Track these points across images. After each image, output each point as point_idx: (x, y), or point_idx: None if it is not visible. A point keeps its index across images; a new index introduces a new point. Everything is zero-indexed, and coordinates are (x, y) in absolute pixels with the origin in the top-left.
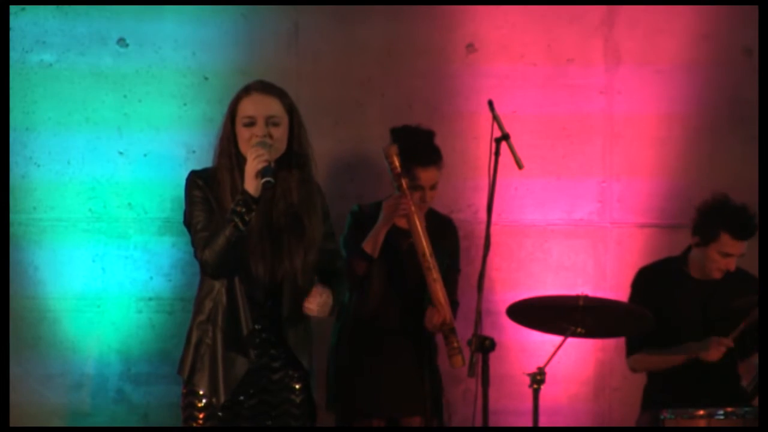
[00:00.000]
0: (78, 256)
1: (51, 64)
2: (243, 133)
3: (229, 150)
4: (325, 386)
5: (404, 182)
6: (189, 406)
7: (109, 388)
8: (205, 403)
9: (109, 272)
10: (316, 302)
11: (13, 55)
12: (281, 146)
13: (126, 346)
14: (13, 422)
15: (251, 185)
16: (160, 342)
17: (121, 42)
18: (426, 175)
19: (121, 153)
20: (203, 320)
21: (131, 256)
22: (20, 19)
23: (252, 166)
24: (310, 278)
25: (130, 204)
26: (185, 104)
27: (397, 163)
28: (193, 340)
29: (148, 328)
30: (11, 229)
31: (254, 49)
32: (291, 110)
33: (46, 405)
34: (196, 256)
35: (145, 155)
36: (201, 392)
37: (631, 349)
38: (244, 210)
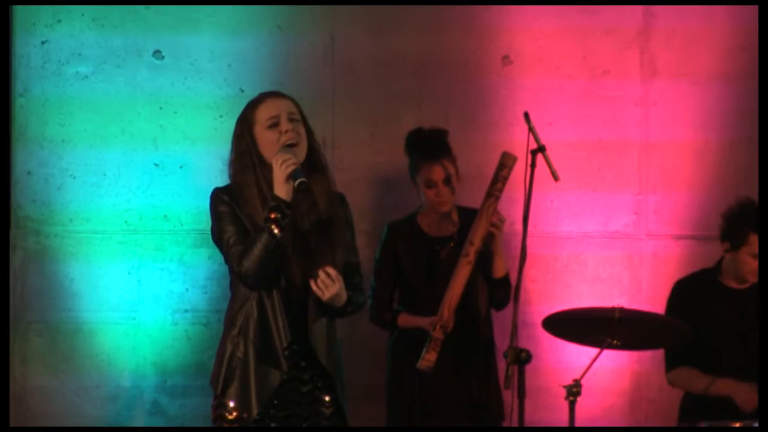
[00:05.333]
0: (114, 268)
1: (87, 76)
2: (267, 137)
3: (251, 163)
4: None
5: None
6: (219, 419)
7: (145, 400)
8: (236, 416)
9: (144, 284)
10: (332, 288)
11: (50, 67)
12: (304, 146)
13: (162, 358)
14: None
15: (282, 190)
16: (195, 354)
17: (157, 54)
18: (434, 170)
19: (156, 165)
20: (235, 334)
21: (167, 268)
22: (56, 31)
23: (281, 171)
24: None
25: (165, 216)
26: (221, 116)
27: (506, 173)
28: (226, 354)
29: (183, 340)
30: (47, 242)
31: (290, 60)
32: (304, 117)
33: (82, 417)
34: (232, 270)
35: (181, 167)
36: (231, 404)
37: (670, 365)
38: (279, 216)
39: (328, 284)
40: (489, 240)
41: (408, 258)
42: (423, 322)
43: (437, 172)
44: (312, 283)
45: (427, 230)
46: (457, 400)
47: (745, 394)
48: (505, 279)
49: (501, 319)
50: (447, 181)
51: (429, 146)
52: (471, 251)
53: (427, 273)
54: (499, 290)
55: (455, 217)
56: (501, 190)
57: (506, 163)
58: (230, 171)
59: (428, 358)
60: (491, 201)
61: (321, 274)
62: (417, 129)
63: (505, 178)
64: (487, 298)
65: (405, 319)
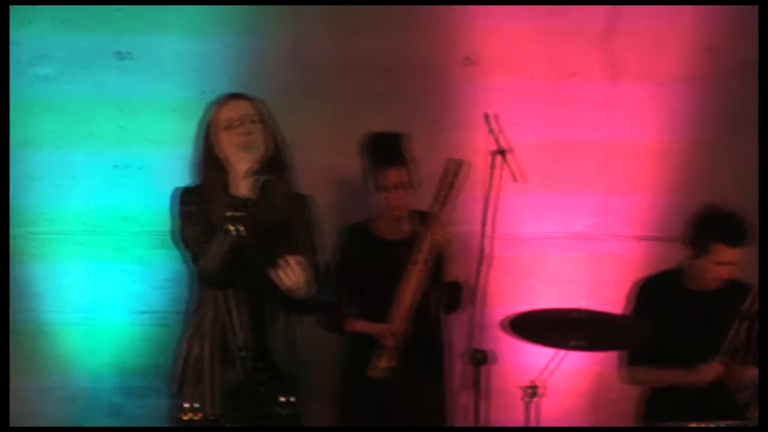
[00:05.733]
0: (75, 269)
1: (53, 77)
2: (225, 138)
3: (210, 165)
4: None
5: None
6: (177, 420)
7: (104, 401)
8: (193, 417)
9: (105, 285)
10: (292, 277)
11: (16, 68)
12: (263, 146)
13: (121, 359)
14: None
15: (242, 188)
16: (155, 355)
17: (123, 55)
18: (386, 175)
19: (119, 166)
20: (193, 334)
21: (127, 269)
22: (22, 32)
23: (240, 168)
24: None
25: (126, 217)
26: (184, 118)
27: (451, 179)
28: (184, 353)
29: (143, 341)
30: (11, 243)
31: (255, 62)
32: (266, 114)
33: (44, 419)
34: (195, 268)
35: (141, 168)
36: (188, 405)
37: (631, 360)
38: (237, 214)
39: (289, 273)
40: (439, 245)
41: (362, 261)
42: (373, 328)
43: (392, 177)
44: (273, 272)
45: (381, 234)
46: (408, 403)
47: (704, 370)
48: (457, 283)
49: (460, 320)
50: (402, 185)
51: (384, 150)
52: (420, 259)
53: (381, 276)
54: (451, 294)
55: (410, 221)
56: (448, 197)
57: (451, 169)
58: (194, 172)
59: (379, 366)
60: (439, 208)
61: (281, 262)
62: (373, 133)
63: (452, 185)
64: (439, 302)
65: (355, 324)
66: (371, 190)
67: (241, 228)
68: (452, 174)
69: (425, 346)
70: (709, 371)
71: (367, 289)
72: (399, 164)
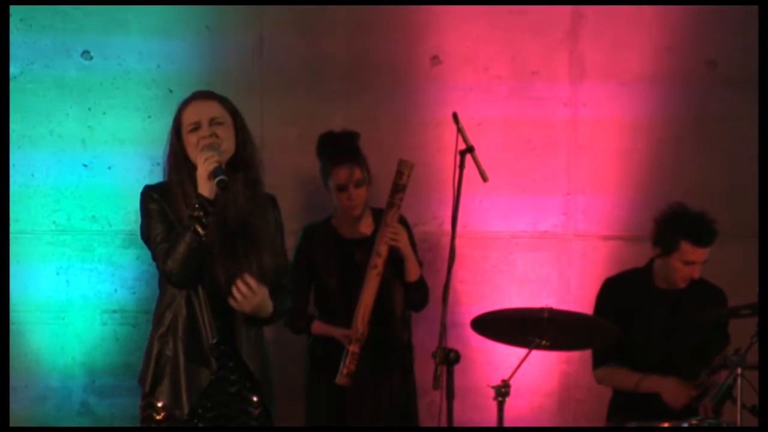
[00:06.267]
0: (42, 268)
1: (15, 77)
2: (191, 140)
3: (177, 164)
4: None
5: (398, 199)
6: (148, 419)
7: (74, 400)
8: (165, 416)
9: (73, 285)
10: (252, 300)
11: None
12: (228, 146)
13: (90, 358)
14: None
15: (205, 188)
16: (124, 354)
17: (86, 54)
18: (341, 173)
19: (85, 165)
20: (163, 332)
21: (96, 268)
22: None
23: (203, 169)
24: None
25: (94, 216)
26: (150, 117)
27: (405, 180)
28: (154, 352)
29: (112, 341)
30: None
31: (219, 61)
32: (234, 113)
33: (12, 418)
34: (158, 267)
35: (109, 168)
36: (160, 404)
37: (597, 362)
38: (201, 214)
39: (248, 296)
40: (395, 248)
41: (323, 261)
42: (336, 332)
43: (348, 176)
44: (230, 300)
45: (342, 232)
46: (375, 401)
47: (672, 391)
48: (419, 282)
49: (429, 320)
50: (358, 184)
51: (339, 149)
52: (379, 262)
53: (343, 275)
54: (414, 293)
55: (370, 218)
56: (402, 199)
57: (403, 170)
58: (165, 170)
59: (346, 373)
60: (394, 211)
61: (240, 284)
62: (327, 132)
63: (405, 186)
64: (403, 300)
65: (319, 327)
66: (331, 190)
67: (200, 230)
68: (406, 175)
69: (394, 344)
70: (679, 398)
71: (330, 289)
72: (353, 162)
